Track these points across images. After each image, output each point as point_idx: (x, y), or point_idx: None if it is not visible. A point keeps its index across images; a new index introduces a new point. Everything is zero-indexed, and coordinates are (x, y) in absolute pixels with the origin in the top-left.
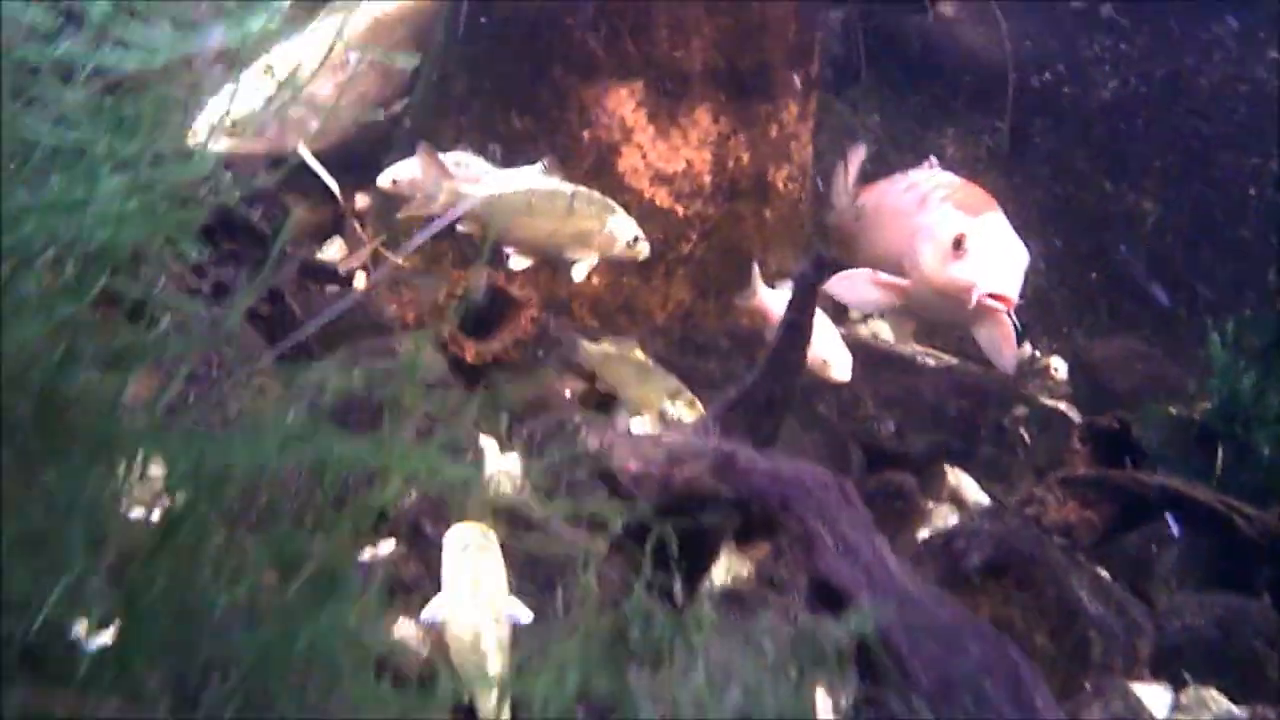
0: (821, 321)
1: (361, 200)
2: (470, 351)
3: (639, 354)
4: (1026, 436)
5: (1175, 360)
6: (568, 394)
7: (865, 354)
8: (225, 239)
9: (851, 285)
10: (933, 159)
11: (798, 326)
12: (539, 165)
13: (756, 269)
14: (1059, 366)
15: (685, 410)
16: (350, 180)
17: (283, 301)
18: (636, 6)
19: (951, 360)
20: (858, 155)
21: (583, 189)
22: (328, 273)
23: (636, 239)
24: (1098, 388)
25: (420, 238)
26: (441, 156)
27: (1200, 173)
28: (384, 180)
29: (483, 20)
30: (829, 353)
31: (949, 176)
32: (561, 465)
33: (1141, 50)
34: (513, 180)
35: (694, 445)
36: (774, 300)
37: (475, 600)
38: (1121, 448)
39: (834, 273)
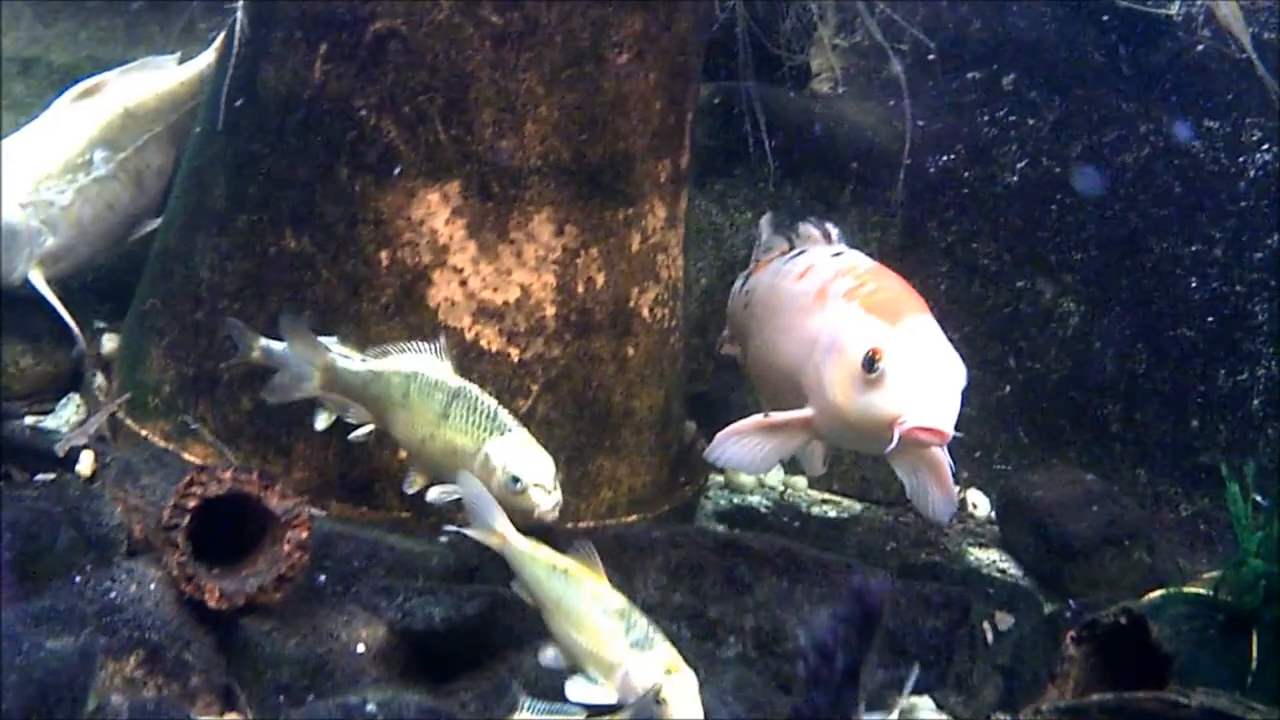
0: None
1: (110, 342)
2: (212, 594)
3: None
4: (990, 634)
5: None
6: (362, 648)
7: (788, 562)
8: None
9: (742, 446)
10: (832, 227)
11: None
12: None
13: None
14: (978, 502)
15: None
16: (96, 316)
17: None
18: (449, 81)
19: (855, 506)
20: (767, 227)
21: (472, 388)
22: (38, 453)
23: (519, 482)
24: (1042, 535)
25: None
26: None
27: (1129, 265)
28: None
29: (247, 105)
30: None
31: (856, 258)
32: None
33: (1053, 125)
34: (400, 359)
35: None
36: None
37: None
38: (1133, 654)
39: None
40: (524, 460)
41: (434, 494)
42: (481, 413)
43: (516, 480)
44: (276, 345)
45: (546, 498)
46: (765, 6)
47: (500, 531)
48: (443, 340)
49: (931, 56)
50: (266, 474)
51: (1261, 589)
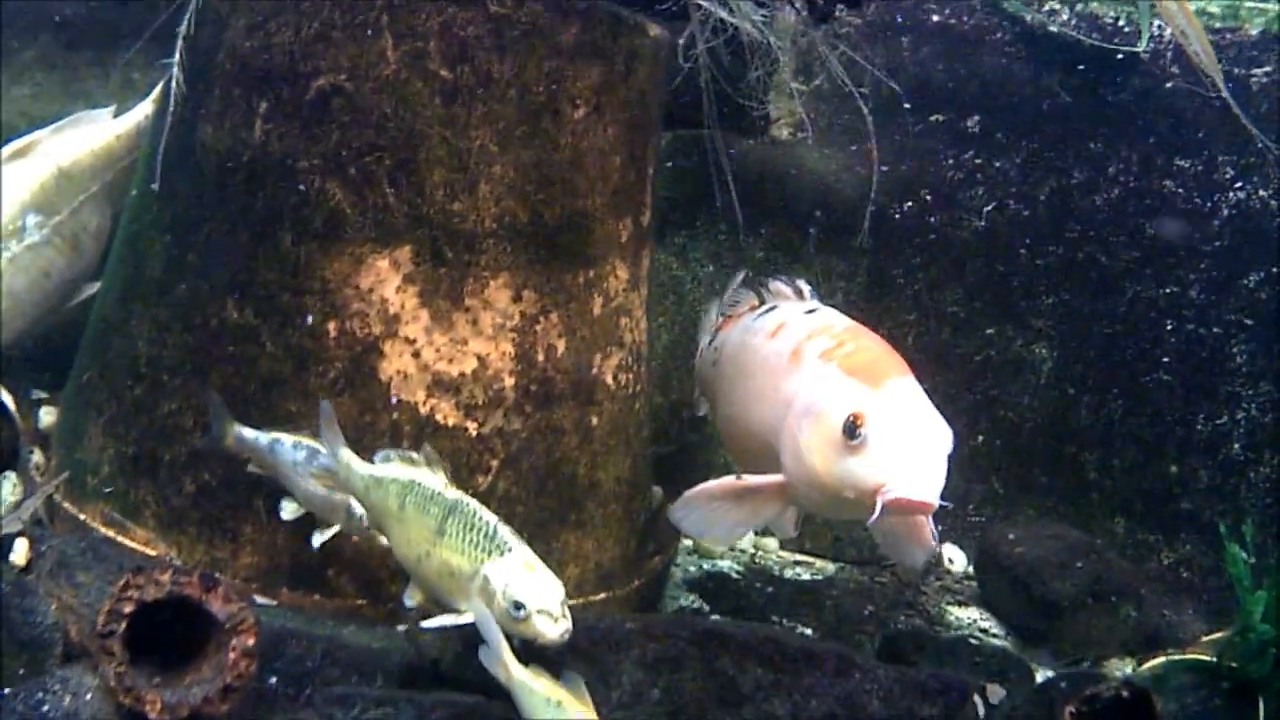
0: None
1: (48, 416)
2: (154, 706)
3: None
4: (981, 707)
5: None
6: None
7: (773, 651)
8: None
9: (710, 511)
10: (804, 284)
11: None
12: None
13: None
14: (954, 557)
15: None
16: (35, 386)
17: None
18: (397, 140)
19: (829, 567)
20: (735, 283)
21: (470, 502)
22: None
23: (522, 609)
24: (1025, 594)
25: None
26: None
27: (1102, 309)
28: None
29: (184, 168)
30: None
31: (832, 316)
32: None
33: (1020, 167)
34: (399, 466)
35: None
36: None
37: None
38: None
39: None
40: (527, 585)
41: (430, 623)
42: (479, 530)
43: (520, 606)
44: (249, 433)
45: (553, 625)
46: (728, 54)
47: (505, 662)
48: (429, 448)
49: (907, 105)
50: (208, 575)
51: (1270, 656)
